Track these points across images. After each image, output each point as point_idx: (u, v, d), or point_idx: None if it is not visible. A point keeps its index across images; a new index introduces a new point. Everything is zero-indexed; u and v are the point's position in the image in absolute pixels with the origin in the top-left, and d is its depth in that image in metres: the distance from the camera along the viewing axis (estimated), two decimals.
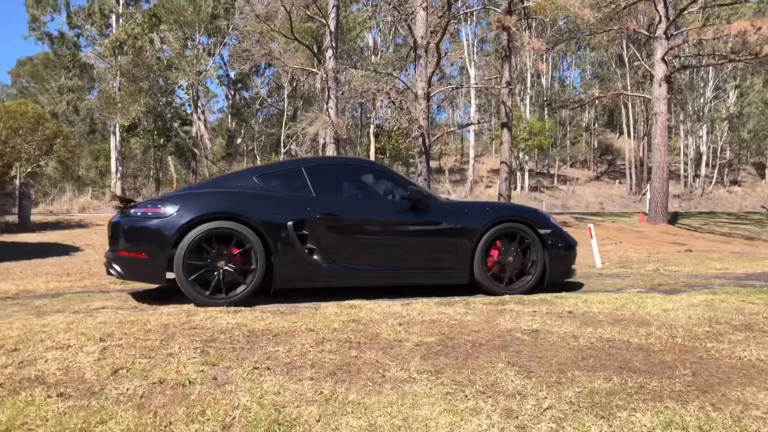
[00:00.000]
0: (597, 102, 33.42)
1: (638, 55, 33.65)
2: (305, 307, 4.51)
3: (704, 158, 47.80)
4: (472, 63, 43.46)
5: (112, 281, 6.75)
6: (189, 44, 39.37)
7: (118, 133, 37.83)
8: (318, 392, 2.64)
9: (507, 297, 5.12)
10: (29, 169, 26.03)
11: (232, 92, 45.83)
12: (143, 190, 38.34)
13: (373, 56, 45.54)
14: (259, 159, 43.34)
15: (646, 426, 2.36)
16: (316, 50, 27.52)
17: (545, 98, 51.11)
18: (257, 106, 46.75)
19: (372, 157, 46.17)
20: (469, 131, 48.18)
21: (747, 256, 11.46)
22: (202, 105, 41.21)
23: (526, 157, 47.11)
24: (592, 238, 9.42)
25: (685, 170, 47.63)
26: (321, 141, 32.47)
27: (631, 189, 46.39)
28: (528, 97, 49.38)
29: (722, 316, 4.13)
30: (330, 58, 21.31)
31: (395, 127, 32.49)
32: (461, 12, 25.62)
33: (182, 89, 40.66)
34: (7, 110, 25.56)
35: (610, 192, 46.36)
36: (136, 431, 2.25)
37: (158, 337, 3.43)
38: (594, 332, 3.71)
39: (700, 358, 3.22)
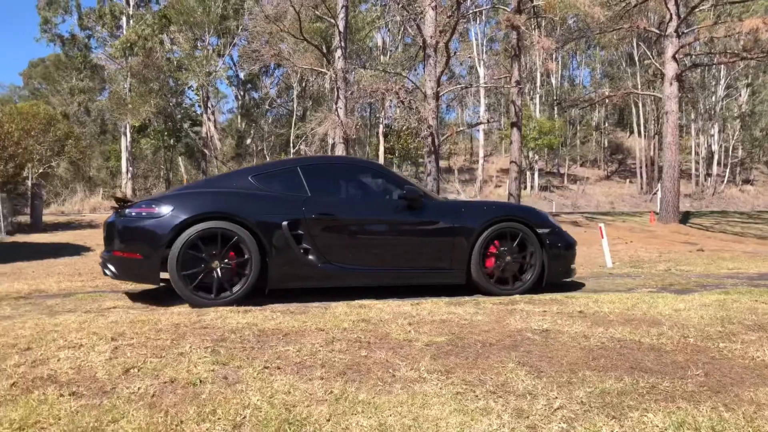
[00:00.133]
0: (607, 101, 33.29)
1: (649, 53, 33.49)
2: (315, 307, 4.51)
3: (716, 157, 47.47)
4: (482, 62, 43.37)
5: (123, 281, 6.79)
6: (199, 45, 39.54)
7: (128, 134, 38.08)
8: (328, 392, 2.64)
9: (517, 297, 5.10)
10: (41, 170, 26.23)
11: (242, 93, 45.99)
12: (154, 191, 38.57)
13: (382, 56, 45.53)
14: (268, 159, 43.42)
15: (658, 426, 2.34)
16: (325, 50, 27.58)
17: (555, 97, 50.94)
18: (267, 107, 46.90)
19: (381, 157, 46.21)
20: (478, 131, 48.11)
21: (760, 255, 11.36)
22: (212, 105, 41.37)
23: (536, 157, 46.97)
24: (602, 237, 9.37)
25: (697, 169, 47.31)
26: (330, 141, 32.52)
27: (641, 188, 46.13)
28: (538, 96, 49.24)
29: (735, 316, 4.10)
30: (339, 58, 21.33)
31: (404, 127, 32.47)
32: (470, 11, 25.59)
33: (192, 90, 40.87)
34: (20, 112, 25.79)
35: (621, 191, 46.13)
36: (147, 430, 2.26)
37: (169, 336, 3.45)
38: (605, 332, 3.69)
39: (713, 358, 3.20)
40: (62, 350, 3.13)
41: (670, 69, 21.47)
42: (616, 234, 16.98)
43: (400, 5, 22.49)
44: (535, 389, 2.71)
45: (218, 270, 4.72)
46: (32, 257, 10.63)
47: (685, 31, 23.03)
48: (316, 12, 23.91)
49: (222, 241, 4.74)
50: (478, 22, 42.96)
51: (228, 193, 5.13)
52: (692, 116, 47.38)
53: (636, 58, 44.95)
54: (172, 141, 40.48)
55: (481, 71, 42.64)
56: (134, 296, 5.48)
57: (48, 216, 23.47)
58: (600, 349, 3.33)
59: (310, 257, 5.02)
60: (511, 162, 22.24)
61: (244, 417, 2.38)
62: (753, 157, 51.65)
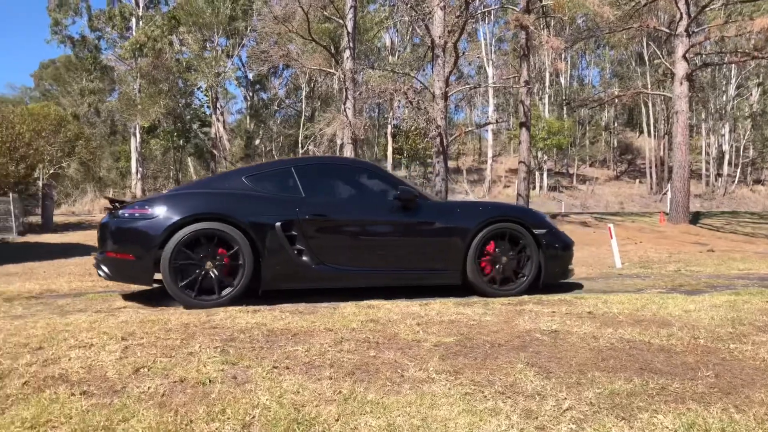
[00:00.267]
0: (617, 101, 33.15)
1: (659, 53, 33.32)
2: (324, 307, 4.52)
3: (726, 157, 47.16)
4: (490, 62, 43.30)
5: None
6: (208, 46, 39.72)
7: (138, 135, 38.31)
8: (337, 392, 2.65)
9: (526, 297, 5.08)
10: (52, 171, 26.41)
11: (251, 93, 46.13)
12: (164, 191, 38.74)
13: (390, 56, 45.56)
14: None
15: (667, 428, 2.33)
16: (333, 51, 27.62)
17: (564, 97, 50.77)
18: (275, 107, 47.02)
19: (389, 158, 46.22)
20: (487, 131, 48.05)
21: None
22: (221, 106, 41.55)
23: (545, 157, 46.83)
24: (612, 238, 9.33)
25: (707, 169, 47.02)
26: (338, 141, 32.55)
27: (651, 188, 45.90)
28: (546, 96, 49.10)
29: (745, 317, 4.07)
30: (347, 58, 21.36)
31: (413, 127, 32.47)
32: (479, 11, 25.55)
33: (201, 91, 41.07)
34: (31, 113, 26.00)
35: (630, 191, 45.92)
36: (157, 429, 2.27)
37: (179, 336, 3.46)
38: (614, 333, 3.68)
39: (723, 359, 3.18)
40: (73, 350, 3.16)
41: (681, 68, 21.35)
42: (625, 234, 16.91)
43: (409, 5, 22.48)
44: (544, 390, 2.71)
45: (211, 271, 4.70)
46: (43, 257, 10.72)
47: (696, 31, 22.89)
48: (325, 12, 23.93)
49: (215, 242, 4.72)
50: (486, 22, 42.92)
51: (221, 194, 5.11)
52: (703, 116, 47.08)
53: (646, 58, 44.73)
54: (181, 142, 40.69)
55: (490, 71, 42.57)
56: (144, 296, 5.51)
57: (59, 216, 23.64)
58: (609, 350, 3.32)
59: (304, 258, 4.99)
60: (520, 162, 22.19)
61: (254, 417, 2.39)
62: (764, 156, 51.22)
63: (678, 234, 18.38)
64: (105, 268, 4.91)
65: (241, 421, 2.36)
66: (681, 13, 21.32)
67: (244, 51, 41.08)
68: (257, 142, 45.47)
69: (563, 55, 40.23)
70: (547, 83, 49.23)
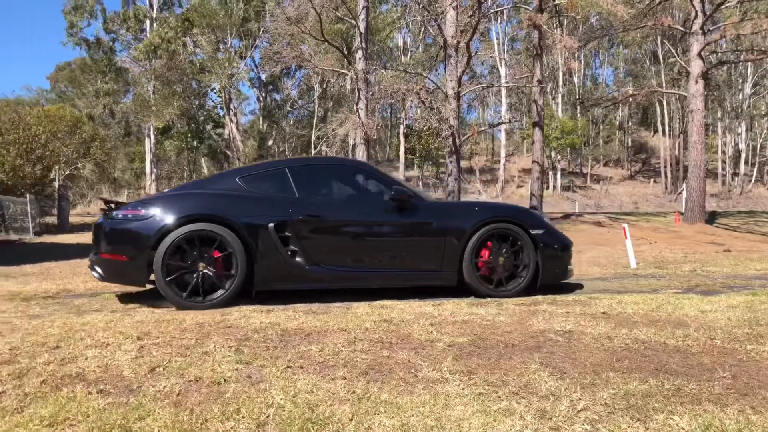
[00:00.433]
0: (631, 100, 32.91)
1: (673, 51, 32.99)
2: (337, 307, 4.53)
3: (743, 156, 46.64)
4: (503, 62, 43.16)
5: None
6: (221, 47, 39.94)
7: (152, 136, 38.61)
8: (351, 391, 2.66)
9: (540, 297, 5.06)
10: (67, 172, 26.67)
11: (264, 94, 46.33)
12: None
13: (402, 56, 45.58)
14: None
15: (683, 429, 2.31)
16: (345, 51, 27.66)
17: (577, 96, 50.51)
18: (288, 108, 47.21)
19: (402, 158, 46.20)
20: (500, 130, 47.88)
21: None
22: (234, 107, 41.76)
23: (558, 156, 46.61)
24: (626, 238, 9.26)
25: (723, 168, 46.55)
26: (351, 142, 32.57)
27: (666, 188, 45.53)
28: (560, 95, 48.87)
29: (763, 318, 4.03)
30: (360, 59, 21.38)
31: (425, 127, 32.42)
32: (491, 11, 25.47)
33: (215, 92, 41.33)
34: (47, 114, 26.28)
35: (645, 191, 45.58)
36: (173, 428, 2.29)
37: (194, 335, 3.49)
38: (629, 333, 3.66)
39: (740, 360, 3.15)
40: (90, 349, 3.19)
41: (696, 67, 21.15)
42: (640, 234, 16.78)
43: (421, 5, 22.48)
44: (558, 390, 2.69)
45: (204, 272, 4.71)
46: (59, 257, 10.82)
47: (711, 29, 22.68)
48: (337, 13, 23.98)
49: (208, 243, 4.73)
50: (499, 21, 42.79)
51: (214, 195, 5.12)
52: (718, 114, 46.63)
53: (660, 56, 44.37)
54: (195, 143, 40.96)
55: (503, 71, 42.43)
56: (159, 296, 5.55)
57: (74, 217, 23.88)
58: (624, 351, 3.30)
59: (298, 259, 4.98)
60: (533, 162, 22.09)
61: (268, 416, 2.41)
62: None
63: (693, 234, 18.21)
64: (99, 269, 4.94)
65: (255, 420, 2.37)
66: (696, 11, 21.12)
67: (257, 52, 41.33)
68: (270, 142, 45.65)
69: (576, 55, 40.04)
70: (561, 82, 48.98)
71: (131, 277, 4.86)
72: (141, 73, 39.25)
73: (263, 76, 44.62)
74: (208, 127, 42.75)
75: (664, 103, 47.09)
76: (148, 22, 39.66)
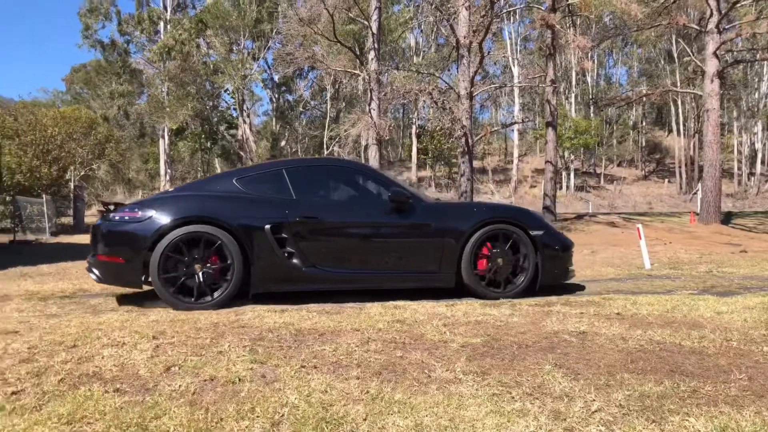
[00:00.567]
0: (645, 99, 32.64)
1: (688, 50, 32.70)
2: (350, 307, 4.54)
3: (759, 155, 46.16)
4: (516, 61, 43.03)
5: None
6: (234, 49, 40.15)
7: (166, 137, 38.88)
8: (364, 391, 2.66)
9: (554, 298, 5.05)
10: (83, 173, 26.94)
11: (276, 95, 46.52)
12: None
13: (415, 57, 45.57)
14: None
15: (699, 431, 2.30)
16: (358, 52, 27.68)
17: (591, 96, 50.21)
18: (301, 109, 47.36)
19: (414, 158, 46.19)
20: (512, 130, 47.74)
21: None
22: (247, 108, 41.97)
23: (572, 157, 46.37)
24: (640, 238, 9.20)
25: (739, 168, 46.10)
26: (363, 142, 32.60)
27: (681, 188, 45.16)
28: (573, 95, 48.63)
29: None
30: (372, 59, 21.41)
31: (438, 128, 32.37)
32: (504, 10, 25.38)
33: (228, 93, 41.55)
34: (63, 116, 26.57)
35: (659, 191, 45.23)
36: (189, 427, 2.31)
37: (208, 335, 3.51)
38: (644, 334, 3.63)
39: (757, 362, 3.12)
40: (106, 348, 3.22)
41: (711, 66, 20.95)
42: (654, 235, 16.64)
43: (433, 6, 22.45)
44: (572, 391, 2.69)
45: (200, 274, 4.71)
46: (75, 257, 10.92)
47: (726, 27, 22.44)
48: (350, 14, 24.04)
49: (204, 245, 4.74)
50: (511, 21, 42.63)
51: (210, 196, 5.12)
52: (734, 114, 46.17)
53: (675, 55, 44.02)
54: (208, 143, 41.22)
55: (515, 70, 42.29)
56: None
57: (90, 217, 24.07)
58: (639, 352, 3.28)
59: (294, 261, 4.97)
60: (546, 162, 21.99)
61: (282, 415, 2.42)
62: None
63: (709, 234, 18.03)
64: (96, 271, 4.95)
65: (270, 419, 2.38)
66: (711, 10, 20.92)
67: (269, 53, 41.50)
68: (283, 143, 45.83)
69: (590, 54, 39.78)
70: (574, 82, 48.74)
71: (128, 278, 4.88)
72: (155, 75, 39.55)
73: (276, 77, 44.82)
74: (222, 128, 43.01)
75: (679, 103, 46.67)
76: (162, 23, 39.94)
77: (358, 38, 34.11)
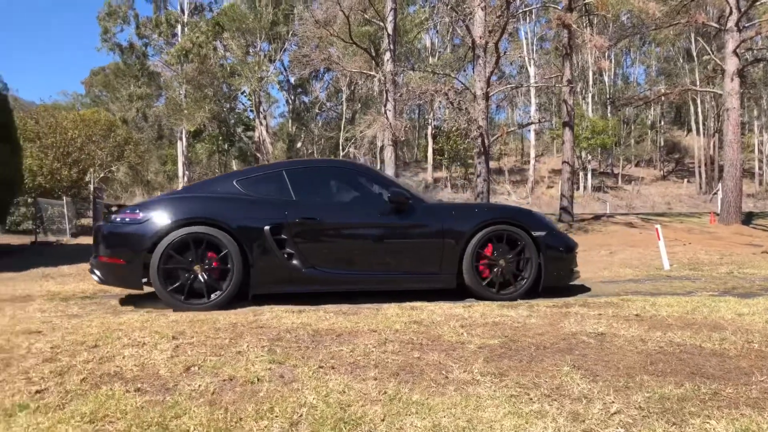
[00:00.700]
0: (663, 99, 32.29)
1: (708, 48, 32.32)
2: (367, 308, 4.56)
3: None
4: (532, 61, 42.82)
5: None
6: (251, 51, 40.42)
7: (184, 139, 39.22)
8: (382, 392, 2.67)
9: (571, 299, 5.02)
10: (102, 174, 27.25)
11: (293, 97, 46.73)
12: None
13: (430, 57, 45.53)
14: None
15: None
16: (373, 53, 27.74)
17: (608, 96, 49.80)
18: (317, 110, 47.54)
19: (430, 159, 46.13)
20: (529, 131, 47.49)
21: None
22: (264, 110, 42.20)
23: (589, 157, 46.03)
24: (659, 239, 9.11)
25: (760, 168, 45.44)
26: (379, 143, 32.63)
27: (700, 188, 44.63)
28: (590, 95, 48.26)
29: None
30: (388, 60, 21.42)
31: (454, 128, 32.31)
32: (520, 10, 25.28)
33: (245, 95, 41.82)
34: (82, 118, 26.90)
35: (678, 192, 44.75)
36: (208, 426, 2.33)
37: (227, 335, 3.54)
38: (663, 336, 3.60)
39: None
40: (127, 348, 3.26)
41: (731, 64, 20.69)
42: (673, 235, 16.46)
43: (449, 6, 22.43)
44: (591, 393, 2.67)
45: (200, 275, 4.73)
46: None
47: (746, 25, 22.14)
48: (365, 15, 24.07)
49: (203, 246, 4.76)
50: (527, 21, 42.45)
51: (210, 198, 5.16)
52: (755, 113, 45.55)
53: (694, 54, 43.53)
54: (225, 145, 41.50)
55: (532, 70, 42.10)
56: None
57: None
58: (658, 354, 3.25)
59: (294, 262, 4.97)
60: (564, 162, 21.86)
61: (301, 415, 2.43)
62: None
63: (730, 235, 17.80)
64: (98, 273, 5.01)
65: (288, 419, 2.40)
66: (731, 8, 20.66)
67: (285, 55, 41.73)
68: (299, 144, 46.02)
69: (607, 53, 39.46)
70: (591, 82, 48.37)
71: (128, 280, 4.93)
72: (173, 77, 39.94)
73: (292, 79, 45.04)
74: (239, 129, 43.31)
75: (698, 102, 46.15)
76: (179, 26, 40.32)
77: (373, 39, 34.18)
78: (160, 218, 4.79)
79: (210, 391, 2.66)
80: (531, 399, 2.61)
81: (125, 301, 5.42)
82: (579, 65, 44.10)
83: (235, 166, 44.42)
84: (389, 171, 21.62)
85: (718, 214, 21.68)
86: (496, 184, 42.07)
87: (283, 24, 39.69)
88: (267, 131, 41.46)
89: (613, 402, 2.57)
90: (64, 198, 22.04)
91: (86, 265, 9.90)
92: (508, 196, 41.36)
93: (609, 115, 47.82)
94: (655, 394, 2.64)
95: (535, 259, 5.31)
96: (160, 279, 4.66)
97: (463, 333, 3.69)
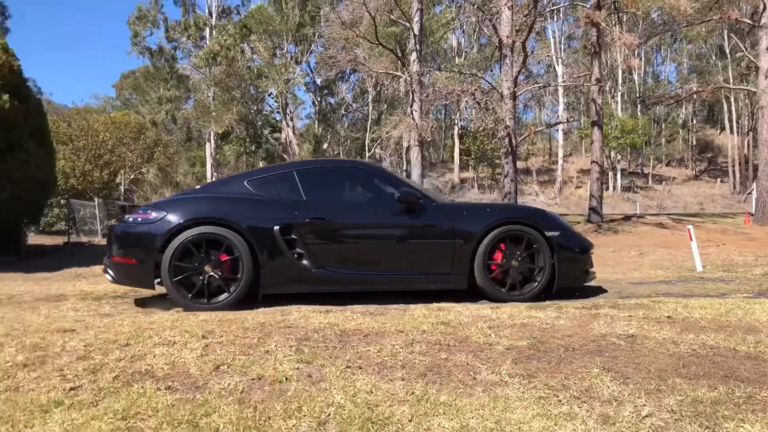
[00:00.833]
0: (695, 97, 31.75)
1: (741, 45, 31.66)
2: (394, 309, 4.56)
3: None
4: (560, 60, 42.38)
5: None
6: (277, 53, 40.74)
7: (212, 141, 39.72)
8: (409, 392, 2.67)
9: (601, 301, 4.96)
10: (132, 176, 27.73)
11: (319, 98, 46.97)
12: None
13: (457, 57, 45.38)
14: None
15: None
16: (400, 54, 27.74)
17: (638, 95, 49.05)
18: (343, 111, 47.70)
19: (456, 159, 45.96)
20: (557, 130, 47.00)
21: None
22: (291, 112, 42.51)
23: (618, 157, 45.41)
24: (691, 240, 8.94)
25: None
26: (405, 144, 32.62)
27: (734, 188, 43.69)
28: (619, 93, 47.58)
29: None
30: (414, 61, 21.41)
31: (480, 128, 32.15)
32: (547, 9, 25.03)
33: (272, 97, 42.19)
34: (113, 121, 27.41)
35: (711, 192, 43.87)
36: (238, 425, 2.36)
37: (256, 335, 3.58)
38: (696, 338, 3.53)
39: None
40: (158, 347, 3.32)
41: (766, 62, 20.21)
42: (706, 236, 16.14)
43: (475, 6, 22.32)
44: (621, 396, 2.63)
45: (210, 275, 4.77)
46: None
47: None
48: (391, 16, 24.09)
49: (214, 246, 4.79)
50: (555, 19, 42.01)
51: (221, 198, 5.20)
52: None
53: (727, 51, 42.59)
54: (253, 147, 41.91)
55: (559, 70, 41.66)
56: None
57: None
58: (691, 356, 3.19)
59: (304, 262, 4.98)
60: (592, 162, 21.59)
61: (329, 415, 2.45)
62: None
63: (765, 236, 17.39)
64: (111, 272, 5.07)
65: (316, 418, 2.41)
66: (764, 4, 20.19)
67: (312, 57, 41.92)
68: (325, 146, 46.24)
69: (637, 52, 38.90)
70: (620, 80, 47.67)
71: (140, 279, 4.99)
72: (201, 80, 40.46)
73: (318, 81, 45.26)
74: (266, 131, 43.68)
75: (732, 100, 45.19)
76: (207, 29, 40.85)
77: (399, 40, 34.18)
78: (171, 218, 4.84)
79: (239, 390, 2.69)
80: (560, 401, 2.58)
81: (155, 300, 5.51)
82: (608, 64, 43.53)
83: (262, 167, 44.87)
84: (416, 171, 21.60)
85: (752, 215, 21.20)
86: (524, 185, 41.74)
87: (309, 26, 39.95)
88: (294, 133, 41.76)
89: (645, 405, 2.53)
90: (96, 199, 22.48)
91: None
92: (536, 196, 41.02)
93: (639, 114, 47.10)
94: (687, 398, 2.59)
95: (549, 260, 5.23)
96: (171, 278, 4.72)
97: (491, 334, 3.67)
